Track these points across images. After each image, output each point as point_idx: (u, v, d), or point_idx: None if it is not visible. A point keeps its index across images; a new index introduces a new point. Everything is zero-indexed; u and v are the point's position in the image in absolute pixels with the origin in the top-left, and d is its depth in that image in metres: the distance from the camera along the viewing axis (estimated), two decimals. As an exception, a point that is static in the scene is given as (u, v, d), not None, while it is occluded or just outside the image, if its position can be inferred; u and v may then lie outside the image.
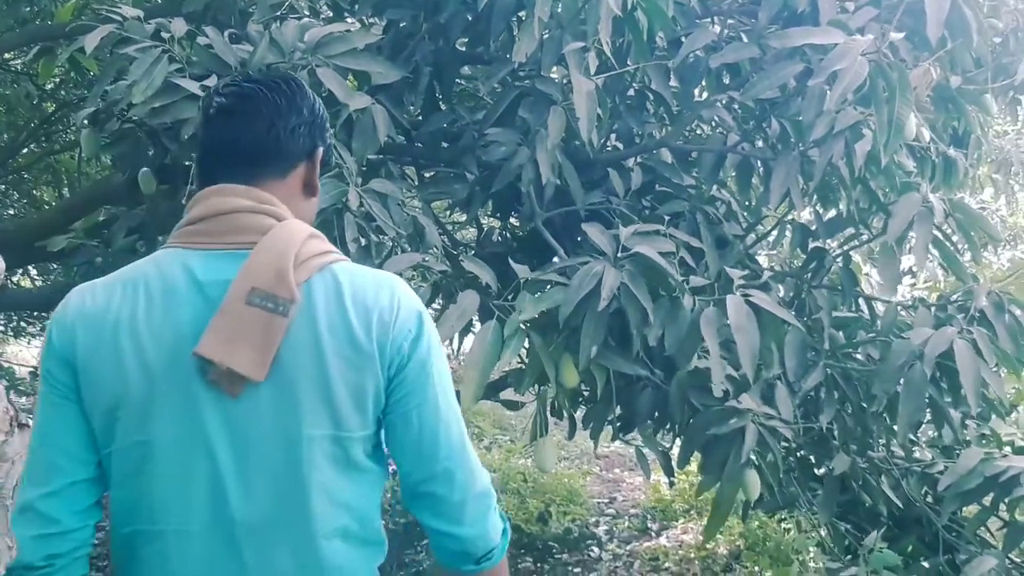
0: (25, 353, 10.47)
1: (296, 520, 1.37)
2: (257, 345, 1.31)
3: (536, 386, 2.77)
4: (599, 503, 7.51)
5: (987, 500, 3.09)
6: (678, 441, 3.10)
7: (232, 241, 1.39)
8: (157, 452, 1.35)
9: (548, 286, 2.59)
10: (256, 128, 1.44)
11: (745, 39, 2.95)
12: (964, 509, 3.35)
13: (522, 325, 2.51)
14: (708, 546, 5.99)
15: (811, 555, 5.32)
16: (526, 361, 2.72)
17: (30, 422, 1.45)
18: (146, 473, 1.36)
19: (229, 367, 1.31)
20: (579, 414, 3.27)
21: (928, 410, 2.98)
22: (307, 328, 1.36)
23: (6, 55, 5.79)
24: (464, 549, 1.47)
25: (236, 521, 1.35)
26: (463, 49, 3.52)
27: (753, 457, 2.78)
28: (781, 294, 3.30)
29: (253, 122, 1.44)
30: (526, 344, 2.60)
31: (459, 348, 3.71)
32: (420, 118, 3.47)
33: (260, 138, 1.44)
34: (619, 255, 2.57)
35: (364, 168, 2.95)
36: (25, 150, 6.56)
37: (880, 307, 3.38)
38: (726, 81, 3.19)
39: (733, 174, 3.42)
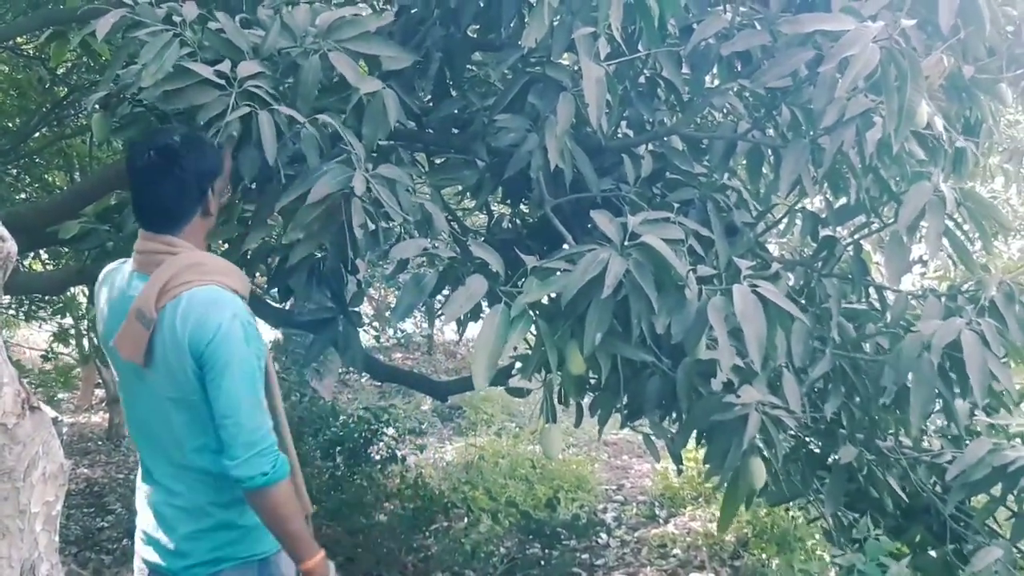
0: (36, 337, 10.53)
1: (173, 440, 2.30)
2: (136, 343, 2.21)
3: (543, 373, 2.77)
4: (607, 490, 7.53)
5: (995, 490, 3.09)
6: (686, 430, 3.10)
7: (147, 271, 2.26)
8: (120, 389, 2.43)
9: (555, 273, 2.59)
10: (153, 198, 2.29)
11: (757, 27, 2.94)
12: (973, 499, 3.35)
13: (529, 311, 2.51)
14: (715, 533, 6.00)
15: (816, 543, 5.33)
16: (531, 348, 2.73)
17: (41, 405, 1.57)
18: (123, 399, 2.45)
19: (124, 355, 2.24)
20: (587, 401, 3.27)
21: (937, 401, 2.97)
22: (160, 334, 2.20)
23: (18, 39, 5.80)
24: (230, 472, 2.21)
25: (149, 436, 2.35)
26: (474, 35, 3.50)
27: (760, 445, 2.78)
28: (791, 283, 3.29)
29: (152, 192, 2.29)
30: (533, 331, 2.60)
31: (463, 334, 3.70)
32: (430, 104, 3.46)
33: (158, 204, 2.30)
34: (626, 243, 2.56)
35: (374, 154, 2.94)
36: (37, 134, 6.58)
37: (890, 296, 3.37)
38: (737, 68, 3.17)
39: (743, 162, 3.41)
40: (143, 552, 2.43)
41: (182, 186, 2.28)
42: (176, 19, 2.76)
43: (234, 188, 3.22)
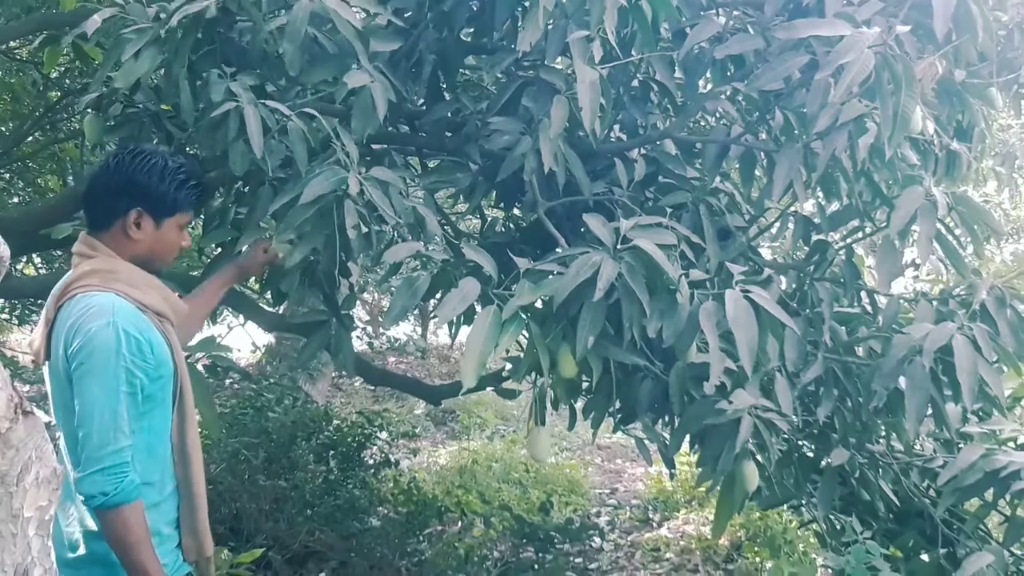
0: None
1: (66, 452, 2.18)
2: (41, 341, 2.23)
3: (534, 375, 2.76)
4: (601, 494, 7.53)
5: (988, 495, 3.09)
6: (679, 433, 3.09)
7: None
8: None
9: (548, 275, 2.59)
10: (87, 191, 2.32)
11: (750, 31, 2.94)
12: (965, 503, 3.35)
13: (521, 314, 2.51)
14: (708, 537, 6.00)
15: (809, 546, 5.33)
16: (524, 350, 2.72)
17: (34, 409, 1.59)
18: None
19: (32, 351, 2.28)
20: (580, 405, 3.27)
21: (930, 405, 2.97)
22: (54, 334, 2.18)
23: (11, 44, 5.79)
24: (75, 485, 2.11)
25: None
26: (467, 39, 3.50)
27: (752, 449, 2.78)
28: (783, 287, 3.29)
29: (88, 185, 2.33)
30: (525, 334, 2.60)
31: (455, 337, 3.67)
32: (423, 107, 3.46)
33: (86, 199, 2.33)
34: (619, 247, 2.56)
35: (368, 159, 2.93)
36: (30, 138, 6.57)
37: (882, 301, 3.37)
38: (731, 72, 3.18)
39: (736, 166, 3.41)
40: None
41: (107, 190, 2.28)
42: (163, 16, 2.75)
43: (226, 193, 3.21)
